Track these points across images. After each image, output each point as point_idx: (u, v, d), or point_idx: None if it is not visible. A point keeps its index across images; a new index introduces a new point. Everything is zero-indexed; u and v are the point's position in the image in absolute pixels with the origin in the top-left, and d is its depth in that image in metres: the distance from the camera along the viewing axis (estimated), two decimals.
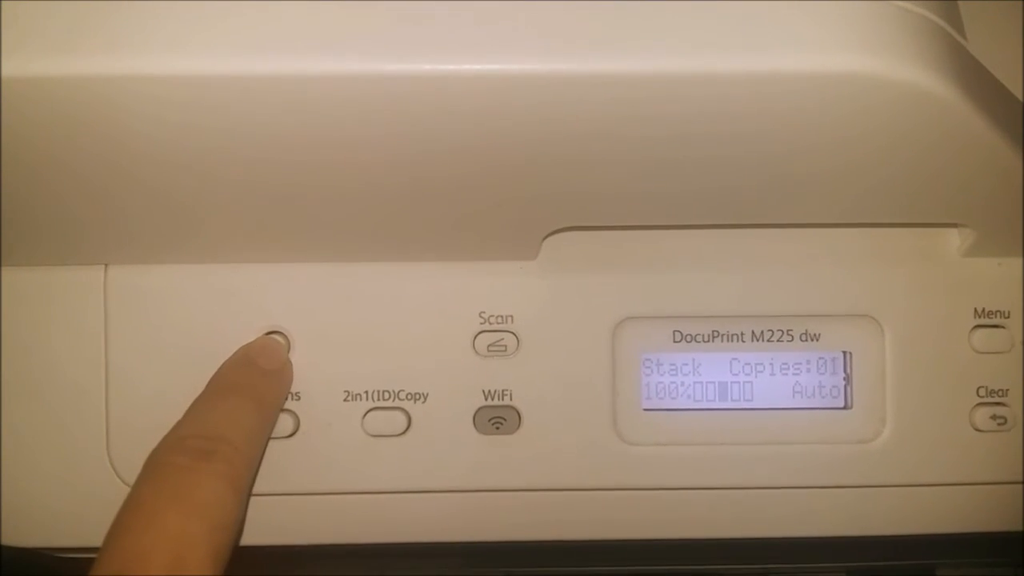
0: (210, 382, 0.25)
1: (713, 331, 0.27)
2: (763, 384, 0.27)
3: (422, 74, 0.21)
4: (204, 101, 0.21)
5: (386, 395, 0.27)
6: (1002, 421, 0.27)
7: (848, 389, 0.27)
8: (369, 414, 0.27)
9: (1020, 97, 0.25)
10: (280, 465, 0.27)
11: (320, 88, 0.21)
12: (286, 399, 0.27)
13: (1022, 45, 0.26)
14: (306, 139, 0.22)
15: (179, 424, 0.24)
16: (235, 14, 0.21)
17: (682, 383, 0.27)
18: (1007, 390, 0.27)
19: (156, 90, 0.21)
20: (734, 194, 0.25)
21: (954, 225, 0.27)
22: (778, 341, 0.27)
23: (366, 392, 0.27)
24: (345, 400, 0.27)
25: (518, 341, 0.27)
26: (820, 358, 0.27)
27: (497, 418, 0.27)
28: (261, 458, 0.26)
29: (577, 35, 0.21)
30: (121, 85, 0.21)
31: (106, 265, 0.27)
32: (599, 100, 0.21)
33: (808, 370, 0.27)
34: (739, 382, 0.27)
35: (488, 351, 0.27)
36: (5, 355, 0.27)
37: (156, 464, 0.22)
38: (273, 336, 0.27)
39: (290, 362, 0.27)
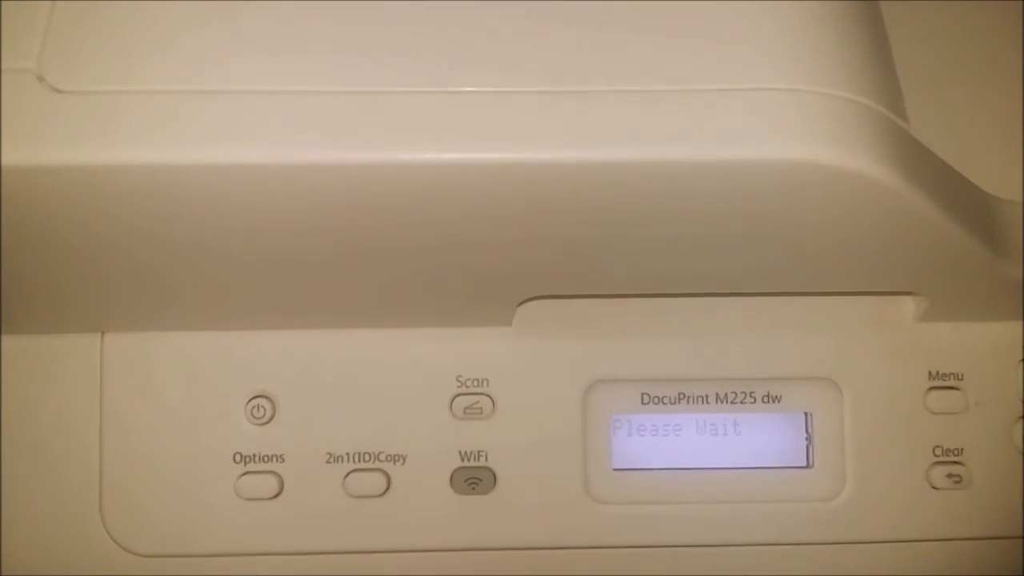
0: None
1: (679, 393, 0.29)
2: (728, 444, 0.29)
3: (405, 163, 0.22)
4: (191, 190, 0.22)
5: (367, 457, 0.28)
6: (958, 479, 0.28)
7: (810, 449, 0.29)
8: (350, 475, 0.28)
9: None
10: (264, 525, 0.28)
11: (303, 176, 0.22)
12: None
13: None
14: (291, 224, 0.23)
15: None
16: (219, 106, 0.22)
17: (650, 444, 0.29)
18: (962, 449, 0.29)
19: (149, 179, 0.22)
20: (696, 268, 0.26)
21: (908, 293, 0.29)
22: (741, 403, 0.29)
23: (347, 454, 0.28)
24: (327, 462, 0.28)
25: (493, 404, 0.28)
26: (782, 419, 0.29)
27: (473, 478, 0.28)
28: None
29: (548, 126, 0.22)
30: (114, 174, 0.22)
31: (102, 333, 0.28)
32: (568, 186, 0.23)
33: (771, 431, 0.29)
34: (705, 442, 0.29)
35: (464, 414, 0.28)
36: (3, 419, 0.28)
37: None
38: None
39: None
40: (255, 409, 0.28)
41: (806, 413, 0.29)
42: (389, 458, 0.28)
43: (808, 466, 0.29)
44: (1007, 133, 0.28)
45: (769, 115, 0.23)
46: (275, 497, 0.28)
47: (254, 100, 0.23)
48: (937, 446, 0.28)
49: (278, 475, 0.28)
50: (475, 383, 0.28)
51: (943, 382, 0.29)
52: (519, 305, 0.28)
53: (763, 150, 0.22)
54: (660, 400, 0.29)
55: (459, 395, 0.28)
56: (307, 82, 0.23)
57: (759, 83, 0.23)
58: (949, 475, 0.28)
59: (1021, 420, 0.29)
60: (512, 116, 0.23)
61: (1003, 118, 0.29)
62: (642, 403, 0.29)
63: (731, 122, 0.22)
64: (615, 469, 0.28)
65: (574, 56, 0.23)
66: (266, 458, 0.28)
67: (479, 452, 0.28)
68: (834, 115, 0.23)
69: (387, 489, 0.28)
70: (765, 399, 0.29)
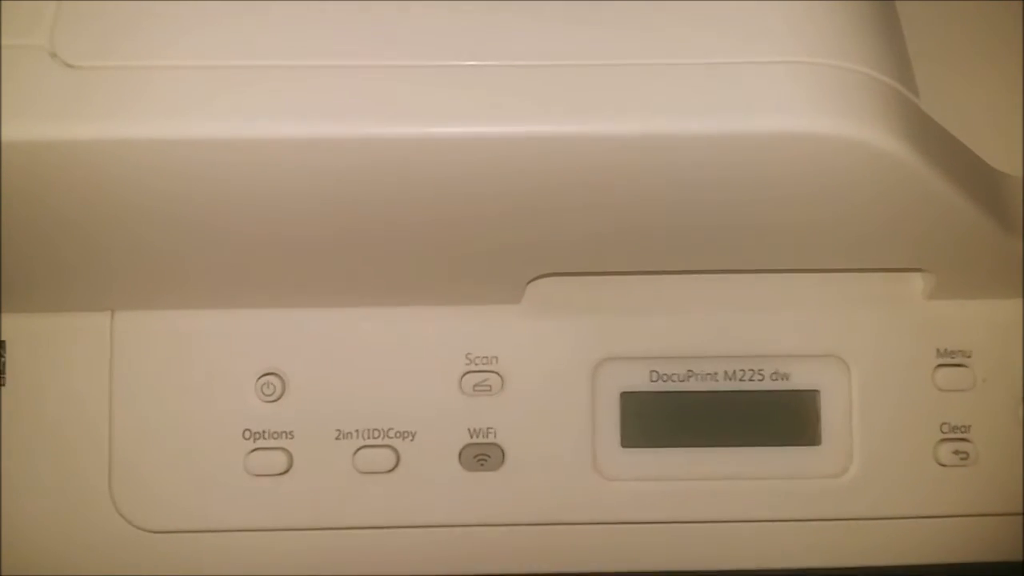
0: None
1: (688, 371, 0.29)
2: (736, 421, 0.29)
3: (414, 138, 0.22)
4: (205, 165, 0.22)
5: (376, 433, 0.28)
6: (964, 456, 0.28)
7: (818, 426, 0.29)
8: (360, 452, 0.28)
9: None
10: (274, 501, 0.28)
11: (312, 151, 0.22)
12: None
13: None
14: (300, 199, 0.24)
15: None
16: (234, 81, 0.23)
17: (659, 421, 0.29)
18: (969, 426, 0.29)
19: (165, 154, 0.22)
20: (706, 243, 0.26)
21: (917, 269, 0.29)
22: (750, 380, 0.29)
23: (357, 431, 0.28)
24: (337, 438, 0.28)
25: (502, 381, 0.28)
26: (790, 396, 0.29)
27: (482, 455, 0.28)
28: None
29: (558, 99, 0.22)
30: (127, 149, 0.22)
31: (112, 311, 0.28)
32: (579, 160, 0.23)
33: (779, 407, 0.29)
34: (713, 420, 0.29)
35: (474, 391, 0.28)
36: (14, 397, 0.28)
37: None
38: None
39: None
40: (265, 386, 0.28)
41: (814, 390, 0.29)
42: (398, 435, 0.28)
43: (816, 443, 0.29)
44: (1017, 109, 0.28)
45: (779, 87, 0.23)
46: (284, 473, 0.28)
47: (269, 75, 0.23)
48: (944, 423, 0.29)
49: (287, 451, 0.28)
50: (484, 360, 0.28)
51: (951, 359, 0.29)
52: (529, 283, 0.28)
53: (773, 122, 0.22)
54: (669, 377, 0.29)
55: (468, 372, 0.28)
56: (322, 57, 0.23)
57: (769, 56, 0.23)
58: (956, 452, 0.28)
59: None
60: (522, 90, 0.23)
61: (1014, 94, 0.29)
62: (651, 380, 0.29)
63: (741, 94, 0.23)
64: (624, 446, 0.29)
65: (582, 30, 0.23)
66: (276, 435, 0.28)
67: (488, 429, 0.28)
68: (844, 87, 0.23)
69: (396, 465, 0.28)
70: (774, 376, 0.29)
